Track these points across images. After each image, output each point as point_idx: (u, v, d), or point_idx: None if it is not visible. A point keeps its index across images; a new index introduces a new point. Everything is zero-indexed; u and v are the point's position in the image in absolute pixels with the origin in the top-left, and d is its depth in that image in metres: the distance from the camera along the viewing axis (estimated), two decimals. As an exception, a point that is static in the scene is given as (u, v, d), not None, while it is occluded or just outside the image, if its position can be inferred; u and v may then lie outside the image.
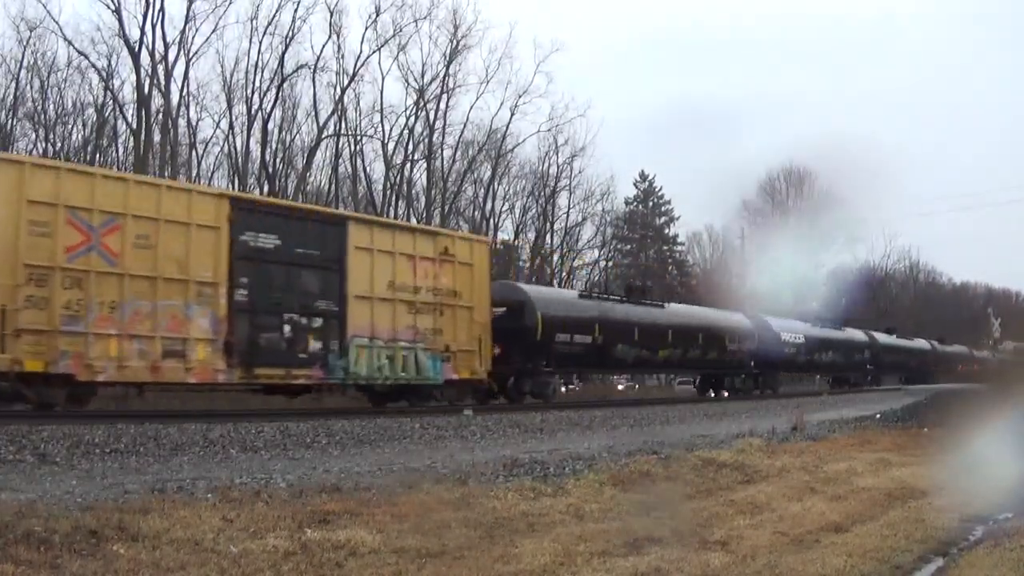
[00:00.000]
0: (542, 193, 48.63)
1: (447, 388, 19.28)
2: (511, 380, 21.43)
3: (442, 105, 43.46)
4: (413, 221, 44.16)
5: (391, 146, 42.54)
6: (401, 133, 42.79)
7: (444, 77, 42.97)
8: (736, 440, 13.66)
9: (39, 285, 12.83)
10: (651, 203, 58.75)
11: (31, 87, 34.31)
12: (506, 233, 49.50)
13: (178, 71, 36.29)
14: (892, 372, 45.11)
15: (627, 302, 26.14)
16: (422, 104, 42.66)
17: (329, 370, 16.85)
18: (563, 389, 30.66)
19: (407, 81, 42.81)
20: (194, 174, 38.36)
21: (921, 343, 49.79)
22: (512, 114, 45.05)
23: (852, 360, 40.78)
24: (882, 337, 43.20)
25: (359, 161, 42.52)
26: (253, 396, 20.65)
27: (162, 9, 34.95)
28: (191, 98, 37.63)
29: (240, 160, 38.45)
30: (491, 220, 47.70)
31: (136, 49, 34.38)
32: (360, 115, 42.23)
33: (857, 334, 41.30)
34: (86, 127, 35.63)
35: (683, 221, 58.85)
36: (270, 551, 5.73)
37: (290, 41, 38.44)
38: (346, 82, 40.37)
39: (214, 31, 37.42)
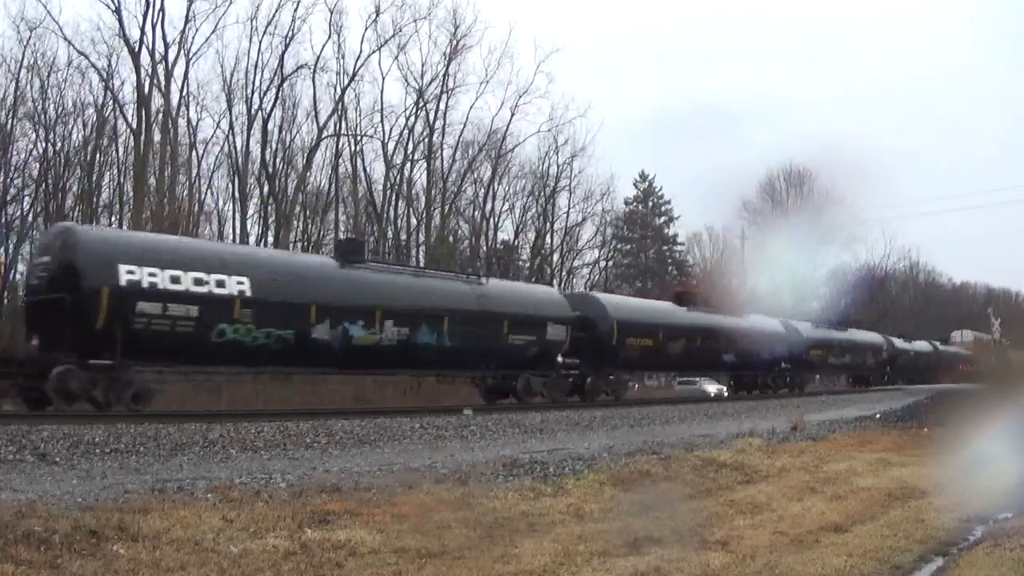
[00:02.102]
0: (542, 193, 48.64)
1: None
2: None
3: (442, 105, 43.50)
4: (413, 222, 44.30)
5: (391, 146, 42.58)
6: (401, 133, 42.83)
7: (444, 77, 43.01)
8: (736, 440, 13.67)
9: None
10: (651, 203, 58.70)
11: (31, 87, 34.25)
12: (506, 233, 49.55)
13: (178, 71, 36.31)
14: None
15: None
16: (422, 104, 42.68)
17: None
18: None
19: (407, 81, 42.87)
20: (194, 174, 38.39)
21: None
22: (512, 114, 45.10)
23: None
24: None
25: (359, 161, 42.55)
26: (253, 396, 20.76)
27: (162, 9, 34.97)
28: (191, 98, 37.64)
29: (240, 160, 38.42)
30: (491, 220, 47.73)
31: (136, 49, 34.38)
32: (360, 115, 42.27)
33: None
34: (86, 127, 35.57)
35: (683, 221, 58.85)
36: (270, 551, 5.73)
37: (290, 41, 38.48)
38: (346, 82, 40.41)
39: (214, 31, 37.44)
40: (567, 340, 21.93)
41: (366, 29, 42.23)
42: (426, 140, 43.38)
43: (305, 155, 40.25)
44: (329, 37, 40.23)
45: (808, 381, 36.63)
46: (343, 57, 40.42)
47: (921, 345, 49.39)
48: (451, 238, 45.70)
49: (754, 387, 33.06)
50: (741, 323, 30.16)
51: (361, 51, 40.83)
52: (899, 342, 44.65)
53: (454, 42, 42.78)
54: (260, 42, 38.07)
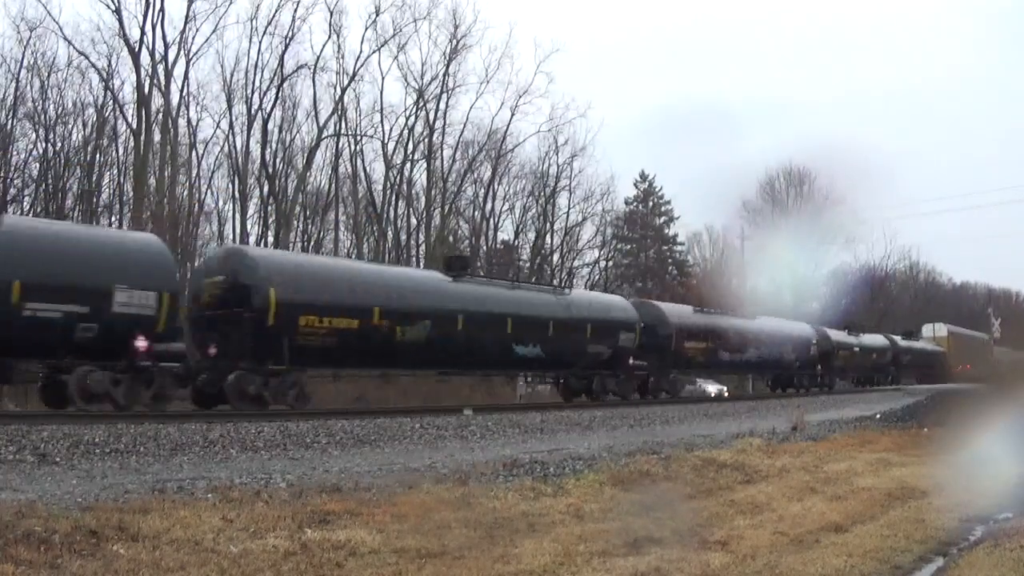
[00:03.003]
0: (542, 193, 48.63)
1: None
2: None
3: (442, 105, 43.48)
4: (413, 222, 44.29)
5: (391, 146, 42.56)
6: (401, 133, 42.82)
7: (444, 77, 43.00)
8: (736, 440, 13.67)
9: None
10: (651, 203, 58.63)
11: (31, 87, 34.21)
12: (506, 233, 49.55)
13: (178, 71, 36.30)
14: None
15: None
16: (422, 104, 42.68)
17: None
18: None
19: (407, 81, 42.86)
20: (194, 174, 38.37)
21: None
22: (512, 114, 45.10)
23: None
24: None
25: (359, 161, 42.52)
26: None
27: (162, 9, 34.96)
28: (191, 98, 37.61)
29: (240, 160, 38.41)
30: (491, 220, 47.73)
31: (136, 49, 34.38)
32: (360, 115, 42.24)
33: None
34: (86, 127, 35.53)
35: (683, 221, 58.69)
36: (270, 551, 5.73)
37: (290, 41, 38.46)
38: (346, 82, 40.40)
39: (214, 31, 37.45)
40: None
41: (366, 29, 42.39)
42: (426, 140, 43.41)
43: (305, 155, 40.26)
44: (329, 37, 40.28)
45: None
46: (343, 57, 40.47)
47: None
48: (451, 238, 45.70)
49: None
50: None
51: (361, 51, 40.91)
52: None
53: (454, 42, 42.83)
54: (260, 42, 38.12)
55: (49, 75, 34.31)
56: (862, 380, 42.39)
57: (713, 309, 30.98)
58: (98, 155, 35.75)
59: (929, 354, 49.91)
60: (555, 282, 45.49)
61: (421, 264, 42.34)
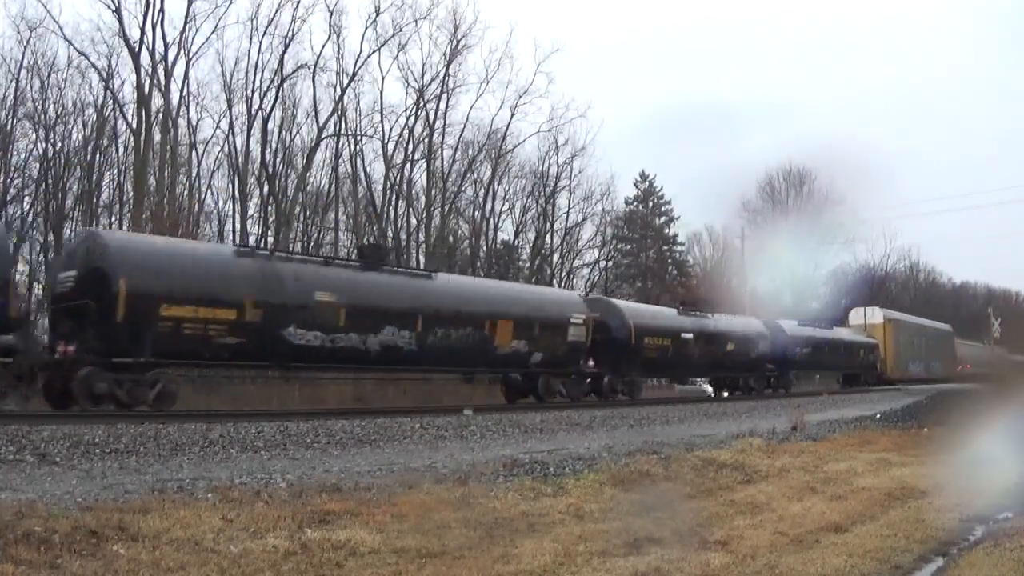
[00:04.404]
0: (542, 193, 48.65)
1: None
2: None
3: (442, 105, 43.50)
4: (413, 222, 44.27)
5: (391, 146, 42.57)
6: (401, 133, 42.83)
7: (444, 77, 43.02)
8: (736, 440, 13.67)
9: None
10: (651, 203, 58.65)
11: (31, 87, 34.25)
12: (506, 233, 49.54)
13: (178, 71, 36.32)
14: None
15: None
16: (422, 104, 42.68)
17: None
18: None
19: (407, 81, 42.89)
20: (194, 174, 38.38)
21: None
22: (512, 114, 45.13)
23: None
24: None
25: (359, 161, 42.54)
26: (253, 396, 20.72)
27: (162, 9, 34.97)
28: (191, 98, 37.63)
29: (240, 160, 38.41)
30: (491, 220, 47.73)
31: (136, 49, 34.39)
32: (360, 115, 42.26)
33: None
34: (86, 127, 35.54)
35: (683, 221, 58.76)
36: (270, 551, 5.73)
37: (290, 41, 38.48)
38: (346, 82, 40.42)
39: (214, 31, 37.46)
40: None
41: (366, 29, 42.34)
42: (426, 140, 43.41)
43: (305, 155, 40.27)
44: (329, 37, 40.32)
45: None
46: (343, 57, 40.49)
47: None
48: (451, 238, 45.72)
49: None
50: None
51: (361, 51, 40.90)
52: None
53: (454, 42, 42.84)
54: (260, 42, 38.14)
55: (49, 75, 34.37)
56: (725, 383, 33.39)
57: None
58: (98, 155, 35.77)
59: (855, 347, 39.85)
60: (555, 282, 45.61)
61: (422, 266, 42.42)
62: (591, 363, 23.29)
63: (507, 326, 20.41)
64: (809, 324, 36.98)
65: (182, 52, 36.05)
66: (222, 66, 39.65)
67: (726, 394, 33.05)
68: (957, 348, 53.80)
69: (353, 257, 24.36)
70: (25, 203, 34.58)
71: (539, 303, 22.50)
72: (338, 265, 18.83)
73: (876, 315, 43.88)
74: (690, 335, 27.84)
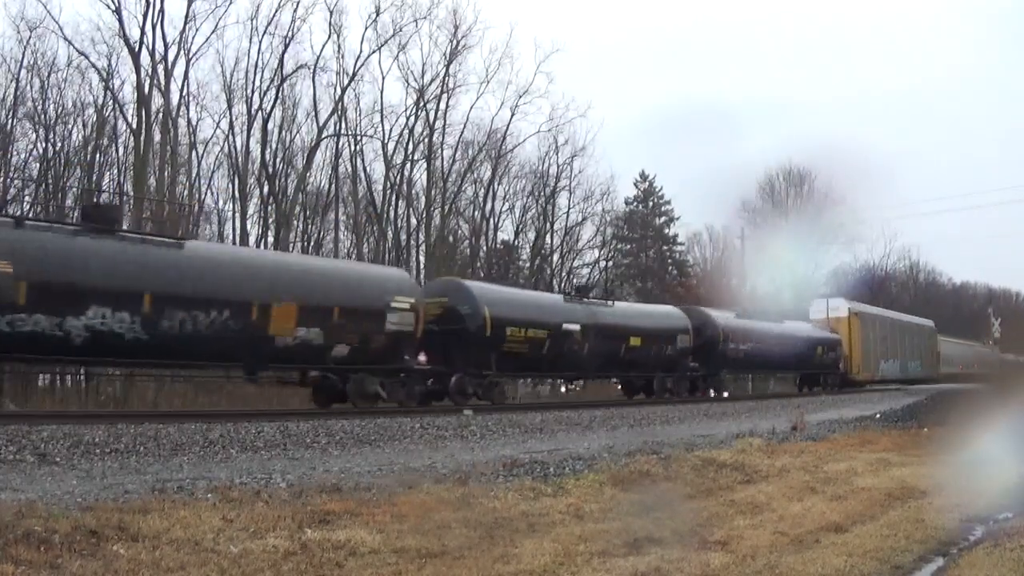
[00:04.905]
0: (542, 193, 48.62)
1: None
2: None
3: (442, 105, 43.45)
4: (413, 222, 44.26)
5: (391, 146, 42.53)
6: (401, 133, 42.79)
7: (444, 77, 42.96)
8: (736, 440, 13.67)
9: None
10: (651, 203, 58.62)
11: (31, 87, 34.19)
12: (506, 233, 49.53)
13: (178, 71, 36.23)
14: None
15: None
16: (422, 104, 42.65)
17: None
18: (563, 389, 30.51)
19: (407, 81, 42.82)
20: (194, 174, 38.37)
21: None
22: (512, 114, 45.06)
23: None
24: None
25: (359, 161, 42.49)
26: (255, 395, 20.71)
27: (162, 9, 34.89)
28: (191, 98, 37.55)
29: (240, 160, 38.39)
30: (491, 220, 47.70)
31: (136, 49, 34.35)
32: (360, 115, 42.21)
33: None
34: (86, 127, 35.47)
35: (683, 221, 58.63)
36: (270, 551, 5.73)
37: (290, 41, 38.41)
38: (346, 82, 40.36)
39: (214, 31, 37.31)
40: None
41: (366, 29, 42.20)
42: (426, 140, 43.38)
43: (305, 155, 40.24)
44: (329, 37, 40.20)
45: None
46: (343, 57, 40.42)
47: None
48: (451, 238, 45.73)
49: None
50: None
51: (361, 51, 40.80)
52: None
53: (454, 42, 42.78)
54: (260, 42, 38.05)
55: (49, 75, 34.29)
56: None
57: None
58: (98, 155, 35.74)
59: (812, 344, 34.46)
60: (555, 283, 45.62)
61: (422, 266, 42.47)
62: (422, 358, 19.39)
63: (288, 310, 16.36)
64: (751, 316, 31.07)
65: (182, 52, 36.02)
66: (222, 66, 39.48)
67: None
68: (943, 347, 49.17)
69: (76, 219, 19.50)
70: (25, 203, 34.59)
71: (343, 282, 18.36)
72: (34, 227, 14.73)
73: (840, 307, 38.38)
74: (576, 327, 22.91)
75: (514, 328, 21.12)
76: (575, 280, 48.64)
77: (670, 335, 26.46)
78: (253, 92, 37.96)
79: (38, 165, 34.22)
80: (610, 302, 26.29)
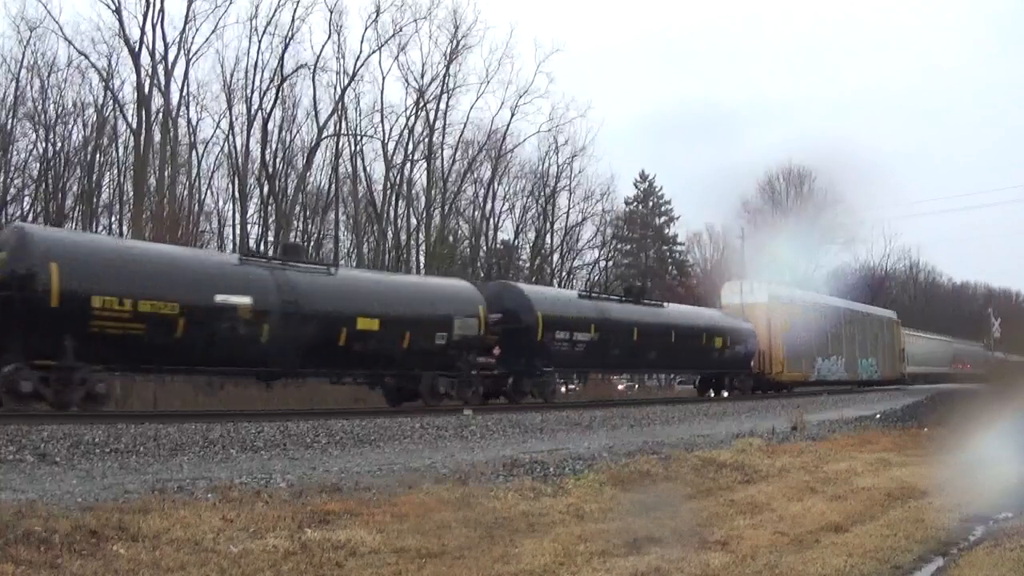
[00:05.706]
0: (542, 193, 48.70)
1: None
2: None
3: (442, 105, 43.53)
4: (413, 222, 44.26)
5: (391, 146, 42.60)
6: (401, 133, 42.86)
7: (444, 77, 43.05)
8: (736, 440, 13.66)
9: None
10: (651, 203, 58.70)
11: (31, 87, 34.32)
12: (506, 233, 49.58)
13: (178, 71, 36.35)
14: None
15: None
16: (422, 104, 42.70)
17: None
18: (563, 389, 30.05)
19: (407, 81, 42.92)
20: (194, 174, 38.39)
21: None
22: (512, 114, 45.16)
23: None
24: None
25: (359, 161, 42.57)
26: (255, 395, 20.70)
27: (162, 9, 35.02)
28: (191, 98, 37.67)
29: (240, 160, 38.44)
30: (491, 220, 47.76)
31: (136, 49, 34.42)
32: (360, 115, 42.31)
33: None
34: (86, 127, 35.61)
35: (683, 221, 58.88)
36: (270, 551, 5.73)
37: (290, 41, 38.52)
38: (346, 82, 40.44)
39: (214, 31, 37.48)
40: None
41: (366, 29, 42.26)
42: (426, 140, 43.43)
43: (305, 155, 40.31)
44: (329, 37, 40.32)
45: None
46: (343, 57, 40.52)
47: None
48: (451, 238, 45.74)
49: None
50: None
51: (361, 51, 40.93)
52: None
53: (454, 42, 42.89)
54: (260, 42, 38.17)
55: (49, 75, 34.42)
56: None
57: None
58: (98, 155, 35.83)
59: (709, 335, 27.08)
60: (555, 283, 45.60)
61: (422, 266, 42.47)
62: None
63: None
64: (601, 297, 25.08)
65: (182, 52, 36.13)
66: (222, 66, 39.61)
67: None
68: (909, 343, 42.59)
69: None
70: (25, 203, 34.65)
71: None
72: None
73: (757, 292, 30.77)
74: (244, 300, 15.05)
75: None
76: (575, 280, 48.70)
77: (440, 320, 18.72)
78: (253, 92, 38.09)
79: (38, 165, 34.31)
80: (332, 269, 18.27)
